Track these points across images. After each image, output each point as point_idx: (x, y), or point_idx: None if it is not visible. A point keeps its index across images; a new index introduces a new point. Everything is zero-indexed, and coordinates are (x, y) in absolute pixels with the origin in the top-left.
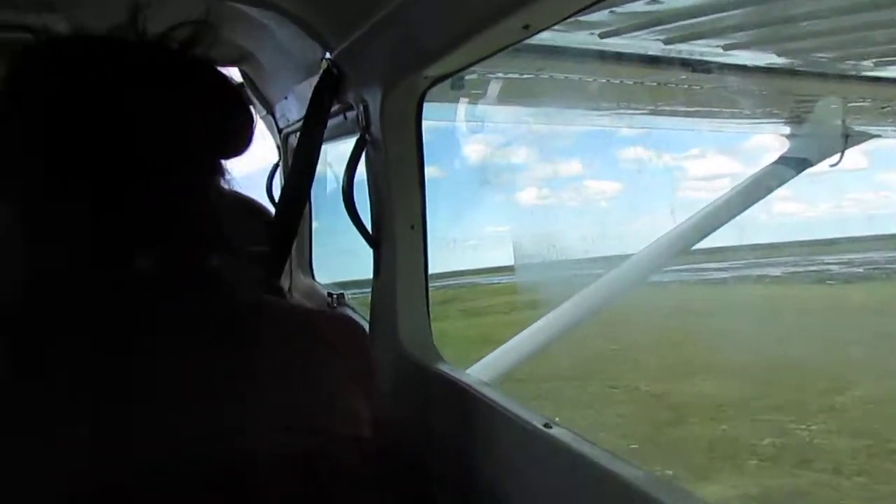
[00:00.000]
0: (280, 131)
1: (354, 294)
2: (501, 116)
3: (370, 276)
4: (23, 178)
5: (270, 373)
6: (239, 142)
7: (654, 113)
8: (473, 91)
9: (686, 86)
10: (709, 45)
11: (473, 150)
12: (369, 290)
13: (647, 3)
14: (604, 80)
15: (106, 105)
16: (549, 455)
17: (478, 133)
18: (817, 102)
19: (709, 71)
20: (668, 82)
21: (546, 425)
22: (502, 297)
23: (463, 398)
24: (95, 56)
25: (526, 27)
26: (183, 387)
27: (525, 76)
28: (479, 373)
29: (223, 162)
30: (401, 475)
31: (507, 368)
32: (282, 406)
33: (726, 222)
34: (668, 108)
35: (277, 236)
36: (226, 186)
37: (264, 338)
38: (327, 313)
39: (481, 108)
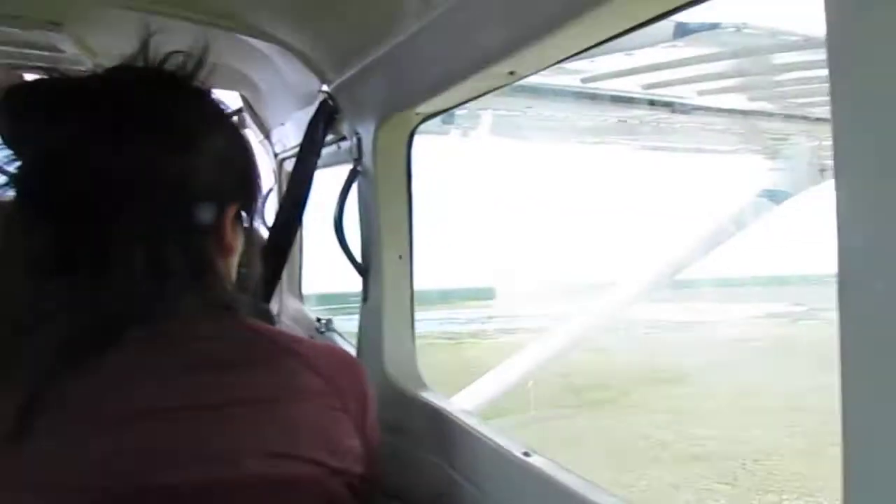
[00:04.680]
0: (276, 156)
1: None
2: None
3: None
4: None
5: (253, 399)
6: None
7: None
8: (464, 125)
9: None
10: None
11: None
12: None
13: (626, 55)
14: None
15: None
16: (527, 483)
17: None
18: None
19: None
20: (649, 121)
21: (525, 454)
22: None
23: (444, 425)
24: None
25: (511, 73)
26: (166, 408)
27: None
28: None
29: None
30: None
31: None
32: (264, 432)
33: (708, 254)
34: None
35: (269, 260)
36: None
37: (250, 363)
38: (317, 344)
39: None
